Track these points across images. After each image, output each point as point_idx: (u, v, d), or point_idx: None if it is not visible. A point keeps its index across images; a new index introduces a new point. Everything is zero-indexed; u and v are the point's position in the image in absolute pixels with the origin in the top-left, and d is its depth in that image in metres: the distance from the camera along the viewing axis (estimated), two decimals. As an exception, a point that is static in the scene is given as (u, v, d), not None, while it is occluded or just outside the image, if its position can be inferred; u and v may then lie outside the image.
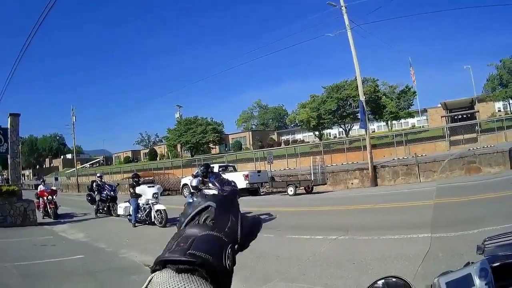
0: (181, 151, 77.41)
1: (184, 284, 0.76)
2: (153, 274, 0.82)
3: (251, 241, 0.96)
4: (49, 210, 22.06)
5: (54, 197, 22.54)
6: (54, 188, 25.15)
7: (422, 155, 28.24)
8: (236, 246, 0.90)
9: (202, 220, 0.88)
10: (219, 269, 0.82)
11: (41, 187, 23.29)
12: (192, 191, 15.99)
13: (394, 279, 1.67)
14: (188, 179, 17.86)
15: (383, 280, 1.67)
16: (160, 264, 0.82)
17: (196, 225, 0.88)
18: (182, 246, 0.82)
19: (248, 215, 1.01)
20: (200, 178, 14.95)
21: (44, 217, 22.01)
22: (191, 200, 14.83)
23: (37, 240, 14.81)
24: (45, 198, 22.34)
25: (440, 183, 20.59)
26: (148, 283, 0.80)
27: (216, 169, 29.45)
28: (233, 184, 15.63)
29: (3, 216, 18.93)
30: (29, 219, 19.60)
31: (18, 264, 10.33)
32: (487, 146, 28.04)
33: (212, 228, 0.86)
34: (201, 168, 15.50)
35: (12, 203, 19.37)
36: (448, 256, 7.14)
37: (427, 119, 59.40)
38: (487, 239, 1.87)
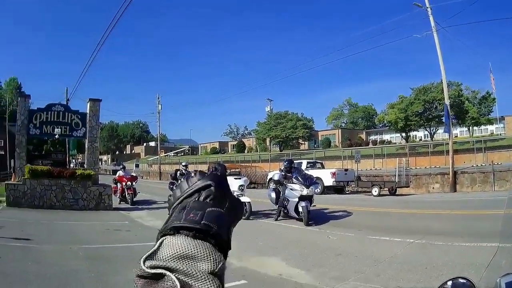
0: (270, 145, 77.15)
1: (200, 247, 0.80)
2: (164, 237, 0.84)
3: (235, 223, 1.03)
4: (126, 196, 21.87)
5: (134, 183, 22.34)
6: (134, 174, 25.33)
7: (497, 163, 27.12)
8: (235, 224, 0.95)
9: (202, 198, 0.91)
10: (226, 242, 0.87)
11: (120, 173, 23.28)
12: (274, 184, 16.37)
13: (461, 280, 1.80)
14: (275, 173, 18.14)
15: (451, 282, 1.79)
16: (173, 230, 0.84)
17: (197, 201, 0.90)
18: (193, 217, 0.85)
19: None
20: (283, 173, 15.25)
21: (121, 203, 21.94)
22: (272, 193, 15.51)
23: (110, 225, 14.72)
24: (123, 183, 22.13)
25: (512, 193, 19.89)
26: (160, 245, 0.82)
27: (304, 165, 30.16)
28: (315, 180, 16.10)
29: (74, 199, 18.96)
30: (103, 204, 19.58)
31: (86, 247, 10.27)
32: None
33: (213, 206, 0.89)
34: (285, 164, 15.74)
35: (86, 186, 19.29)
36: (511, 266, 7.47)
37: (504, 126, 56.42)
38: None
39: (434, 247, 9.74)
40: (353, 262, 8.78)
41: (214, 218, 0.86)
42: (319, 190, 27.59)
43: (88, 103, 21.51)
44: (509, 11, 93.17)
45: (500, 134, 51.34)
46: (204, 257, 0.79)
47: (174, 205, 0.93)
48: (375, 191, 25.44)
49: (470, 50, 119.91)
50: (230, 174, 18.50)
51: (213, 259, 0.79)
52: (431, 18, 28.69)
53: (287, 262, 9.02)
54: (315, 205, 15.40)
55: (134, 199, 21.94)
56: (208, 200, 0.90)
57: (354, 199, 25.09)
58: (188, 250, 0.79)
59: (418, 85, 55.66)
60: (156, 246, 0.82)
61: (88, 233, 12.97)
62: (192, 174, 0.97)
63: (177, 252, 0.79)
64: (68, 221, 15.30)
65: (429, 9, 28.69)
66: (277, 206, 15.42)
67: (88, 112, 21.32)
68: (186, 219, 0.85)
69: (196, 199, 0.91)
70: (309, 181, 14.67)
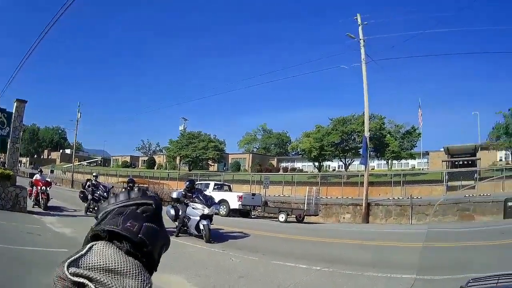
0: (180, 163, 77.55)
1: (130, 264, 0.79)
2: (95, 243, 0.82)
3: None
4: (40, 200, 22.45)
5: (48, 188, 23.04)
6: (49, 180, 26.01)
7: (417, 197, 28.38)
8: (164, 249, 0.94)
9: (140, 210, 0.90)
10: (157, 262, 0.89)
11: (37, 176, 23.99)
12: (173, 202, 17.25)
13: None
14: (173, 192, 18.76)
15: None
16: (106, 233, 0.83)
17: (135, 212, 0.89)
18: (131, 227, 0.84)
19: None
20: (183, 192, 16.14)
21: (34, 206, 22.32)
22: (171, 210, 16.00)
23: (23, 227, 14.77)
24: (38, 187, 22.70)
25: (432, 226, 20.60)
26: (88, 250, 0.79)
27: (211, 187, 31.10)
28: (215, 201, 16.91)
29: (-7, 199, 19.31)
30: (19, 206, 19.68)
31: (7, 247, 10.30)
32: (484, 195, 27.56)
33: (149, 221, 0.88)
34: (187, 183, 16.64)
35: (5, 187, 19.42)
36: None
37: (427, 162, 59.55)
38: (471, 281, 2.03)
39: (343, 276, 9.63)
40: (256, 285, 8.80)
41: (150, 235, 0.87)
42: (224, 212, 27.48)
43: (15, 103, 21.79)
44: (442, 45, 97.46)
45: (422, 169, 54.58)
46: (132, 275, 0.78)
47: (108, 209, 0.91)
48: (281, 217, 25.70)
49: (401, 85, 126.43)
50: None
51: (142, 279, 0.80)
52: (362, 50, 30.00)
53: (188, 280, 8.99)
54: (213, 224, 15.82)
55: (48, 205, 22.61)
56: (145, 214, 0.90)
57: (260, 223, 25.25)
58: (118, 264, 0.78)
59: (339, 116, 57.45)
60: (84, 251, 0.80)
61: (5, 233, 13.13)
62: (135, 189, 0.99)
63: (106, 263, 0.78)
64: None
65: (361, 41, 29.60)
66: (176, 223, 15.95)
67: (14, 112, 21.52)
68: (123, 226, 0.84)
69: (135, 210, 0.91)
70: (210, 201, 15.62)
